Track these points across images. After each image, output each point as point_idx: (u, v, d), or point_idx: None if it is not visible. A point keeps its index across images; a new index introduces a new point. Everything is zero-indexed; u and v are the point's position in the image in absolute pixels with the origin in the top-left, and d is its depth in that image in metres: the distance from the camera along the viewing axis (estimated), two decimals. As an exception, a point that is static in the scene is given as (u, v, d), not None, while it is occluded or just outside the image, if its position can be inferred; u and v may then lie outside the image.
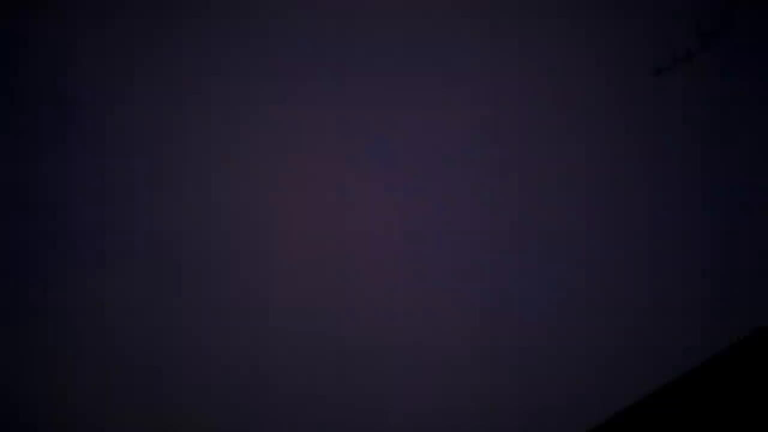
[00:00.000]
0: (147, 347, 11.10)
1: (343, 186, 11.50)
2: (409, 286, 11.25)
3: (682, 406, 9.57)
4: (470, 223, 11.49)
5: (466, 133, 11.60)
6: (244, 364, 11.04)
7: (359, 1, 11.80)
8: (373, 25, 11.81)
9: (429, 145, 11.65)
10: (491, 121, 11.44)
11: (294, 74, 11.83)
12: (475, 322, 11.22)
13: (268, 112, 11.78)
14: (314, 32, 11.82)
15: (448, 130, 11.64)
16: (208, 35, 11.81)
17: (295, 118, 11.82)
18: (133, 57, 11.84)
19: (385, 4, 11.81)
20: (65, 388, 10.89)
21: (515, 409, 10.84)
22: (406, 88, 11.75)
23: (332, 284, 11.25)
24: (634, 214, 11.24)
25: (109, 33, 11.89)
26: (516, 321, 11.15)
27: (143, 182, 11.59)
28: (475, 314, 11.21)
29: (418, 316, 11.23)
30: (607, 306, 11.09)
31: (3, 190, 11.57)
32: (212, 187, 11.48)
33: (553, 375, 11.05)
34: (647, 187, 11.20)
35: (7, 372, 11.01)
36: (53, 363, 11.03)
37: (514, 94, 11.42)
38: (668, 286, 11.07)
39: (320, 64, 11.85)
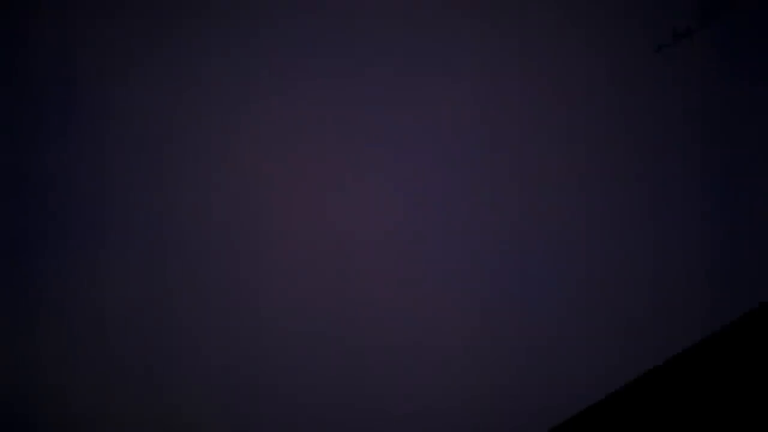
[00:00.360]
0: (144, 347, 11.10)
1: (343, 186, 11.51)
2: (409, 285, 11.25)
3: (685, 381, 9.66)
4: (470, 223, 11.50)
5: (466, 126, 11.59)
6: (243, 364, 11.05)
7: (359, 0, 11.81)
8: (373, 25, 11.82)
9: (428, 144, 11.65)
10: (489, 108, 11.42)
11: (293, 74, 11.85)
12: (475, 322, 11.22)
13: (268, 111, 11.79)
14: (314, 32, 11.83)
15: (448, 129, 11.64)
16: (208, 35, 11.82)
17: (295, 118, 11.83)
18: (133, 56, 11.85)
19: (384, 3, 11.82)
20: (63, 388, 10.90)
21: (516, 409, 10.84)
22: (406, 87, 11.76)
23: (332, 284, 11.26)
24: (634, 202, 11.23)
25: (109, 33, 11.90)
26: (516, 321, 11.15)
27: (142, 182, 11.59)
28: (475, 314, 11.21)
29: (418, 316, 11.23)
30: (608, 305, 11.09)
31: (3, 187, 11.57)
32: (212, 187, 11.49)
33: (553, 375, 11.06)
34: (647, 170, 11.19)
35: (6, 370, 11.01)
36: (50, 361, 11.04)
37: (510, 72, 11.40)
38: (669, 285, 11.08)
39: (320, 65, 11.86)
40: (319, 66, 12.23)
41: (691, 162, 11.62)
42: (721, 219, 11.45)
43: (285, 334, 11.58)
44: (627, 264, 11.54)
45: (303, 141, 12.09)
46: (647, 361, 11.27)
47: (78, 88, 12.35)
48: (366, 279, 11.71)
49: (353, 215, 11.86)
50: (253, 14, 12.43)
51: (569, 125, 11.98)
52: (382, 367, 11.37)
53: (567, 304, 11.45)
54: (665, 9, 11.28)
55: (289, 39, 12.35)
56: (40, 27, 12.41)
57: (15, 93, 12.26)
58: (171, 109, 12.29)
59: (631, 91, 11.87)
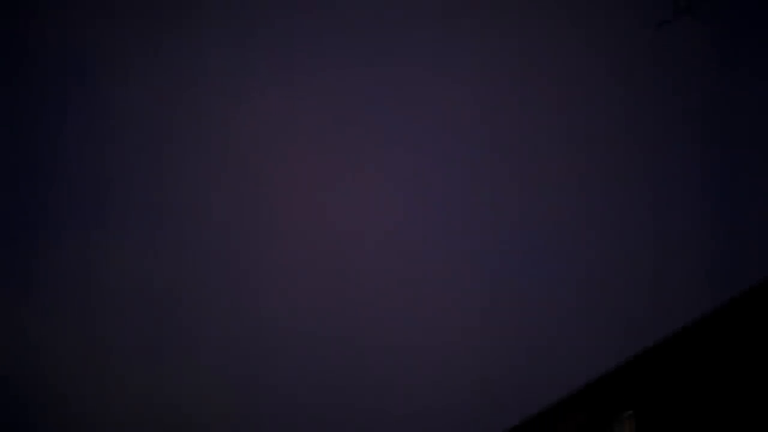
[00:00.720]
0: (143, 347, 11.08)
1: (343, 186, 11.49)
2: (409, 285, 11.23)
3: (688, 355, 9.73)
4: (470, 223, 11.49)
5: (466, 126, 11.60)
6: (243, 364, 11.03)
7: (359, 1, 11.81)
8: (373, 26, 11.82)
9: (428, 144, 11.64)
10: (489, 108, 11.42)
11: (293, 74, 11.84)
12: (475, 322, 11.20)
13: (268, 111, 11.78)
14: (314, 33, 11.82)
15: (448, 129, 11.64)
16: (208, 35, 11.81)
17: (295, 118, 11.82)
18: (133, 57, 11.84)
19: (384, 4, 11.81)
20: (64, 387, 10.88)
21: (515, 406, 10.83)
22: (406, 87, 11.75)
23: (332, 284, 11.24)
24: (634, 198, 11.24)
25: (109, 33, 11.90)
26: (516, 321, 11.13)
27: (142, 181, 11.57)
28: (475, 314, 11.19)
29: (418, 316, 11.22)
30: (607, 305, 11.08)
31: (4, 190, 11.58)
32: (212, 187, 11.47)
33: (553, 375, 11.04)
34: (647, 167, 11.19)
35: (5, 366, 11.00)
36: (49, 360, 11.02)
37: (510, 72, 11.39)
38: (670, 285, 11.08)
39: (319, 65, 11.85)
40: (318, 66, 12.21)
41: (691, 160, 11.60)
42: (724, 177, 11.39)
43: (285, 334, 11.56)
44: (626, 263, 11.52)
45: (303, 141, 12.07)
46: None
47: (78, 88, 12.32)
48: (366, 279, 11.69)
49: (353, 215, 11.85)
50: (252, 15, 12.41)
51: (569, 124, 11.95)
52: (382, 367, 11.35)
53: (567, 304, 11.43)
54: None
55: (288, 39, 12.33)
56: (40, 27, 12.38)
57: (15, 93, 12.22)
58: (171, 109, 12.27)
59: (630, 88, 11.84)
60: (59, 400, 11.22)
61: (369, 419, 11.27)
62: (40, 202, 11.86)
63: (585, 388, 10.31)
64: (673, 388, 10.19)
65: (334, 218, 11.79)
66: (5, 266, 11.61)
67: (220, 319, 11.28)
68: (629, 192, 11.61)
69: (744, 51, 11.37)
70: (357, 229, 11.78)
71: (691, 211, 11.46)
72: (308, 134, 12.07)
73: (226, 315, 11.41)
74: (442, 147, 11.94)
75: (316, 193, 12.01)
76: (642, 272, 11.29)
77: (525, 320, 11.20)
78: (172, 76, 12.18)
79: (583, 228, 11.39)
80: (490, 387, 11.10)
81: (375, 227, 11.74)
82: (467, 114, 12.14)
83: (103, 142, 12.06)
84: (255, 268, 11.64)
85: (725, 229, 11.22)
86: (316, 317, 11.42)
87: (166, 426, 11.17)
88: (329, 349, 11.31)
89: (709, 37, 11.28)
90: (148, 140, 11.99)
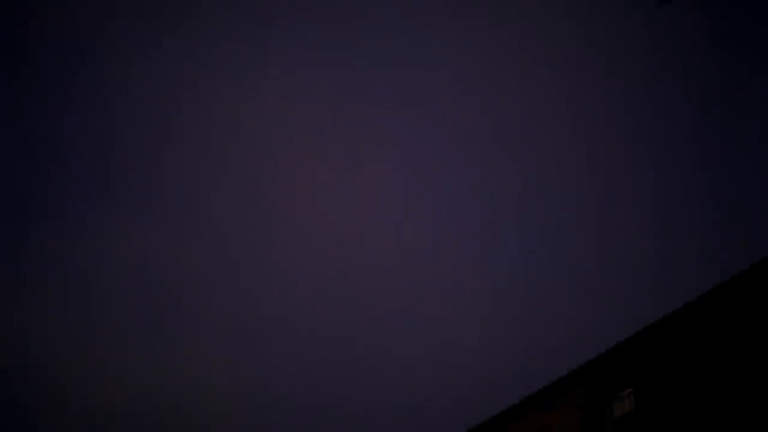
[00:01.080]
0: (143, 347, 11.09)
1: (344, 186, 11.50)
2: (410, 286, 11.24)
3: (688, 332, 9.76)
4: (471, 223, 11.51)
5: (466, 126, 11.61)
6: (243, 364, 11.04)
7: (359, 2, 11.84)
8: (373, 26, 11.85)
9: (429, 144, 11.66)
10: (489, 108, 11.44)
11: (293, 74, 11.85)
12: (475, 322, 11.21)
13: (269, 111, 11.79)
14: (314, 34, 11.84)
15: (448, 129, 11.65)
16: (208, 35, 11.83)
17: (295, 118, 11.84)
18: (133, 57, 11.85)
19: (385, 5, 11.83)
20: (63, 388, 10.90)
21: (516, 387, 10.82)
22: (407, 88, 11.76)
23: (332, 284, 11.24)
24: (635, 175, 11.25)
25: (109, 33, 11.91)
26: (517, 321, 11.15)
27: (143, 182, 11.58)
28: (475, 314, 11.20)
29: (418, 316, 11.23)
30: (607, 304, 11.08)
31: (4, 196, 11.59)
32: (212, 187, 11.48)
33: (553, 354, 11.05)
34: (649, 148, 11.20)
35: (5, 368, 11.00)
36: (49, 360, 11.03)
37: (510, 71, 11.41)
38: (675, 284, 11.10)
39: (320, 66, 11.86)
40: (319, 67, 12.21)
41: (690, 151, 11.59)
42: (724, 161, 11.38)
43: (285, 334, 11.55)
44: (627, 245, 11.52)
45: (303, 141, 12.07)
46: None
47: (78, 88, 12.33)
48: (366, 279, 11.69)
49: (353, 215, 11.84)
50: (252, 15, 12.42)
51: (569, 123, 11.94)
52: (382, 367, 11.34)
53: (568, 304, 11.42)
54: None
55: (288, 39, 12.33)
56: (40, 27, 12.37)
57: (15, 93, 12.22)
58: (171, 109, 12.26)
59: (630, 81, 11.83)
60: (59, 399, 11.21)
61: (369, 419, 11.25)
62: (40, 202, 11.86)
63: (585, 366, 10.31)
64: (672, 365, 10.19)
65: (334, 218, 11.79)
66: (5, 266, 11.60)
67: (220, 319, 11.28)
68: (629, 176, 11.61)
69: (743, 36, 11.36)
70: (357, 229, 11.78)
71: (690, 196, 11.46)
72: (308, 134, 12.06)
73: (226, 315, 11.41)
74: (442, 146, 11.94)
75: (316, 193, 12.00)
76: (641, 254, 11.29)
77: (525, 303, 11.20)
78: (172, 76, 12.17)
79: (583, 213, 11.40)
80: (491, 373, 11.10)
81: (375, 227, 11.73)
82: (467, 114, 12.13)
83: (103, 141, 12.05)
84: (255, 268, 11.64)
85: (722, 213, 11.23)
86: (316, 317, 11.41)
87: (166, 426, 11.15)
88: (329, 349, 11.30)
89: (709, 20, 11.27)
90: (148, 140, 11.99)
